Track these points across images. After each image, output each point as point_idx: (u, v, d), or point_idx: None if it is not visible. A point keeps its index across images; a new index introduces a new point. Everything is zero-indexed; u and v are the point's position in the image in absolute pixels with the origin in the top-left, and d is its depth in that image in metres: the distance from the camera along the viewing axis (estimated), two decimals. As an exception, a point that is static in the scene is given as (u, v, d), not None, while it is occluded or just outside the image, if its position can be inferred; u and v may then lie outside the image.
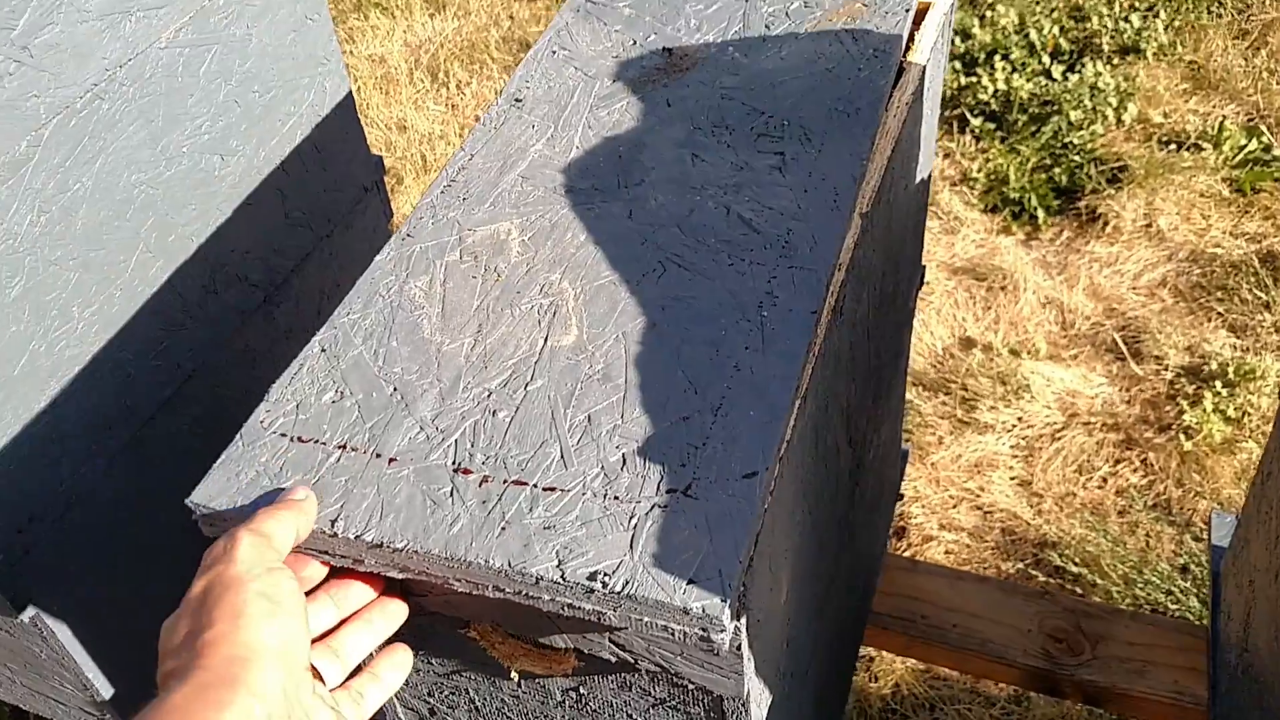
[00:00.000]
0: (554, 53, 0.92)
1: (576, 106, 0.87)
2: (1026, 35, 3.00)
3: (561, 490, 0.59)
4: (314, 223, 1.20)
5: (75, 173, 0.87)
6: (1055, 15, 3.08)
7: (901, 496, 1.67)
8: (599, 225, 0.76)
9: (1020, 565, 1.92)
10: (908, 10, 0.88)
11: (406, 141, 3.06)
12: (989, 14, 3.10)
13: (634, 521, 0.57)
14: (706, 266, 0.72)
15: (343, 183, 1.24)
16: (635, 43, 0.91)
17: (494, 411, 0.64)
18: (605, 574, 0.54)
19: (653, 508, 0.57)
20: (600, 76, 0.89)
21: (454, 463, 0.61)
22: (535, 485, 0.60)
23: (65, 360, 0.91)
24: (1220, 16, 3.11)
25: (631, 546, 0.56)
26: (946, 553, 1.97)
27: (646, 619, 0.55)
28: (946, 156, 2.79)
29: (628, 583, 0.54)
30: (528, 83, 0.90)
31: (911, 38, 0.91)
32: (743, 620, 0.56)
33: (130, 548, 1.04)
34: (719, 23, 0.91)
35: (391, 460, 0.62)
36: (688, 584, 0.53)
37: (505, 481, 0.60)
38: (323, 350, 0.70)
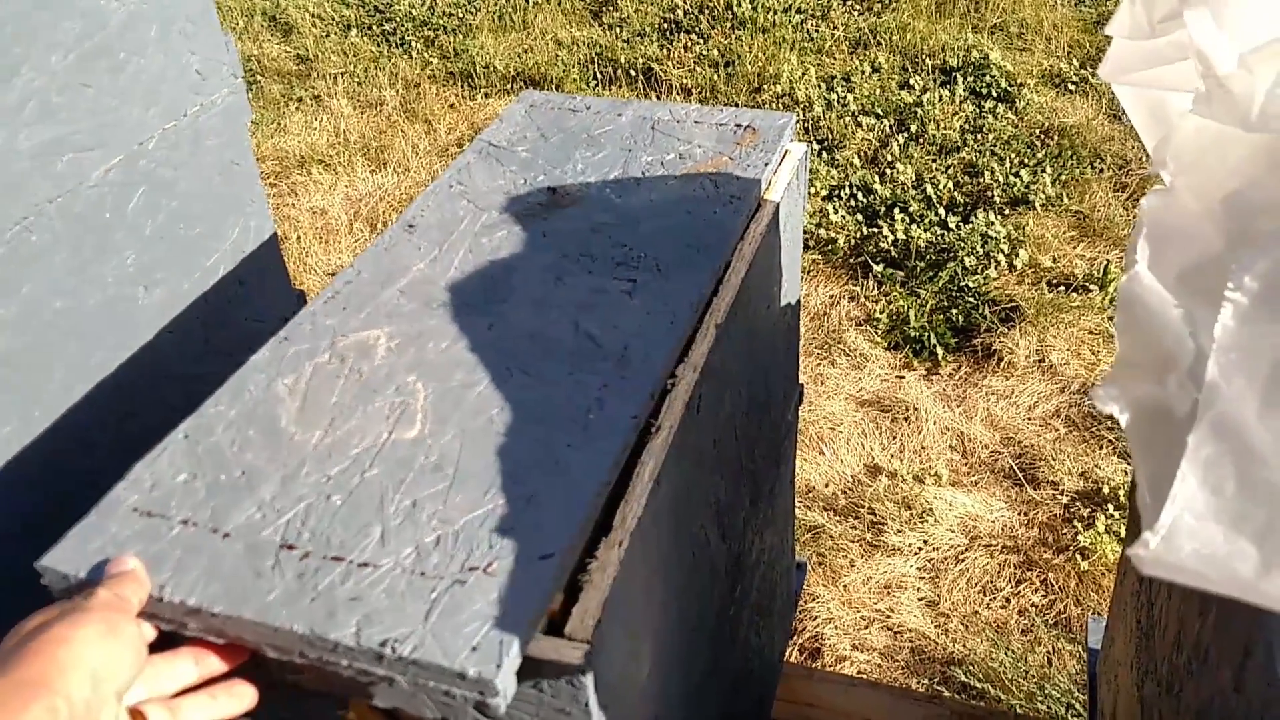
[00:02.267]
0: (451, 187, 1.03)
1: (462, 233, 0.97)
2: (924, 190, 3.23)
3: (374, 566, 0.65)
4: (235, 350, 1.28)
5: (0, 299, 0.94)
6: (950, 171, 3.32)
7: (796, 605, 1.73)
8: (461, 335, 0.85)
9: (928, 682, 1.98)
10: (766, 164, 1.01)
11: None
12: (889, 171, 3.34)
13: (434, 595, 0.62)
14: (549, 374, 0.80)
15: (265, 313, 1.32)
16: (525, 181, 1.02)
17: (329, 495, 0.70)
18: (396, 640, 0.60)
19: (453, 583, 0.63)
20: (489, 209, 0.99)
21: (282, 539, 0.67)
22: (352, 561, 0.65)
23: (-19, 475, 0.96)
24: (1102, 172, 3.38)
25: (426, 617, 0.61)
26: (859, 672, 2.02)
27: (431, 683, 0.60)
28: (852, 299, 2.96)
29: (414, 648, 0.59)
30: (423, 211, 1.00)
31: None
32: (588, 678, 0.62)
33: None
34: (602, 168, 1.02)
35: (226, 535, 0.68)
36: (470, 651, 0.59)
37: (325, 557, 0.66)
38: (185, 436, 0.76)
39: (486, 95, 4.08)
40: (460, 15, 4.54)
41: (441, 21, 4.49)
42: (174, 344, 1.17)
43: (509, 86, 4.11)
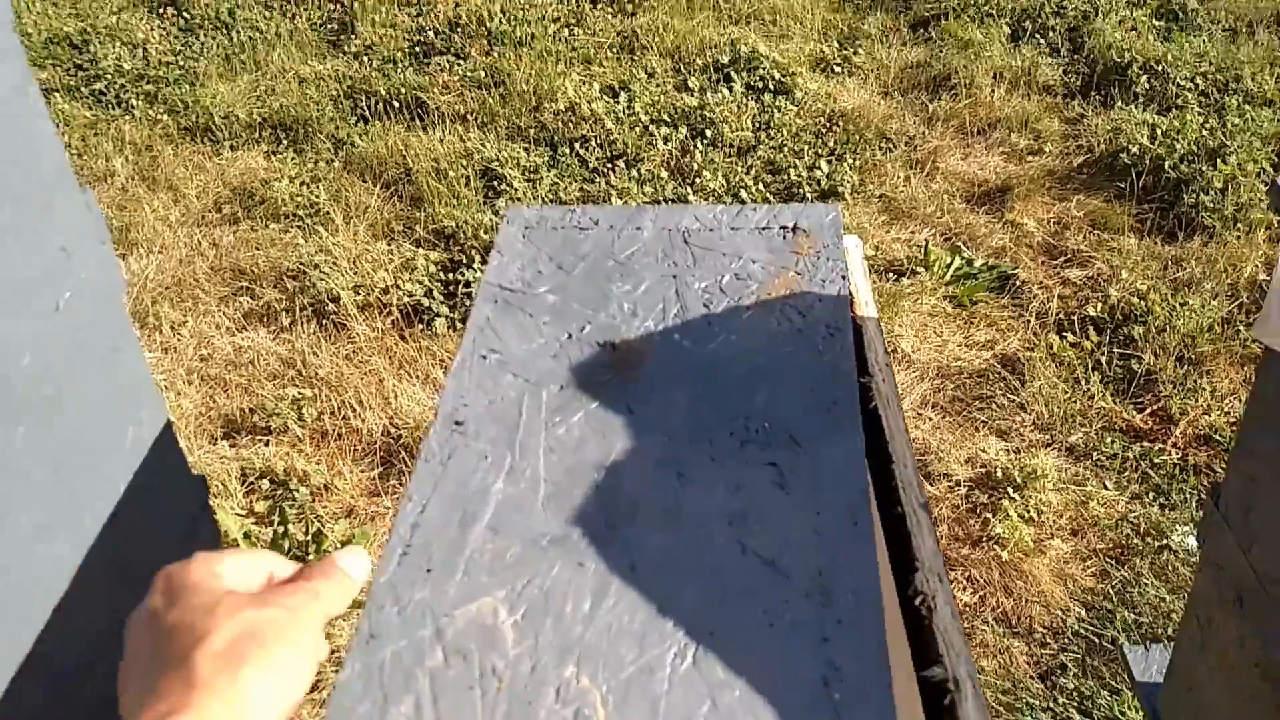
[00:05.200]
0: (484, 357, 0.79)
1: (528, 425, 0.75)
2: (737, 195, 3.16)
3: None
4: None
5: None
6: (754, 173, 3.28)
7: None
8: (600, 585, 0.64)
9: None
10: (843, 275, 0.84)
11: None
12: (699, 180, 3.25)
13: None
14: (741, 633, 0.61)
15: (173, 521, 1.02)
16: (570, 336, 0.81)
17: None
18: None
19: None
20: (544, 383, 0.77)
21: None
22: None
23: None
24: (891, 151, 3.44)
25: None
26: None
27: None
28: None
29: None
30: (464, 398, 0.77)
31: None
32: None
33: None
34: (653, 304, 0.82)
35: None
36: None
37: None
38: None
39: (233, 148, 3.66)
40: (181, 63, 4.05)
41: (160, 72, 3.98)
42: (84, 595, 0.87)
43: (257, 135, 3.70)
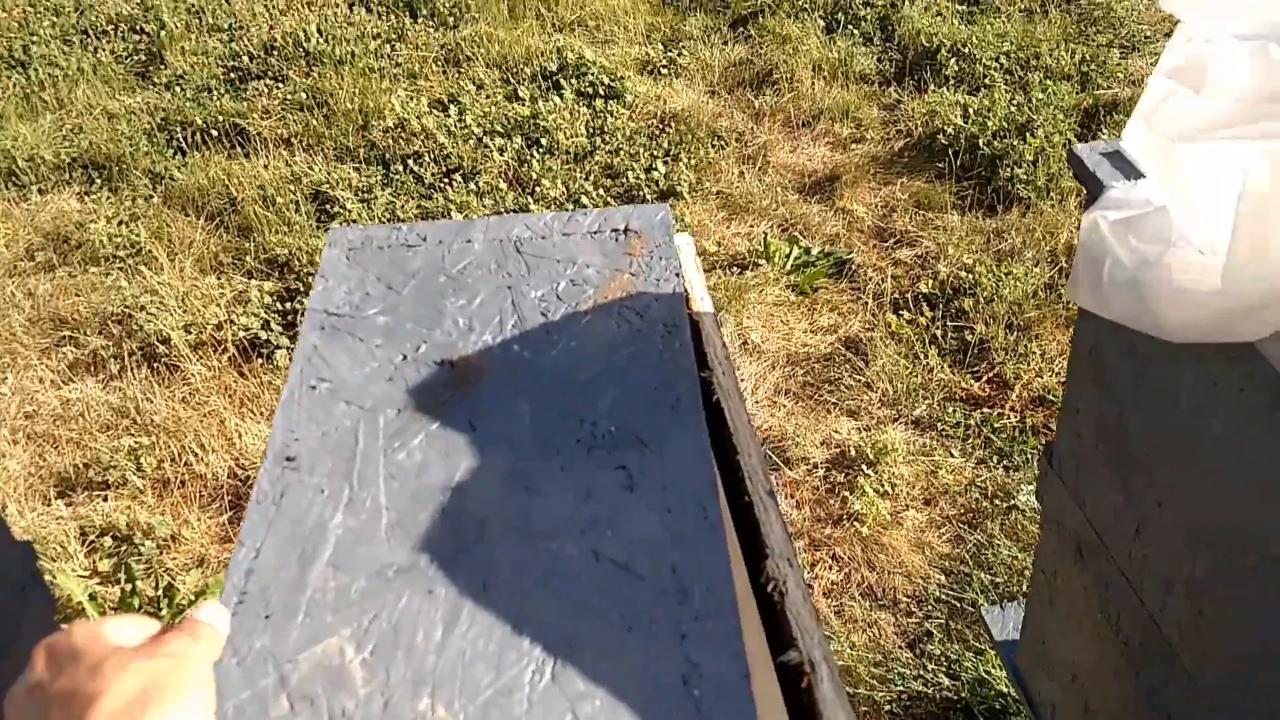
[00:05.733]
0: (313, 388, 0.76)
1: (365, 454, 0.72)
2: (578, 201, 3.16)
3: None
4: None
5: None
6: (593, 178, 3.28)
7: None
8: (451, 611, 0.62)
9: (782, 709, 1.93)
10: (677, 273, 0.85)
11: (-65, 472, 2.52)
12: (538, 189, 3.23)
13: None
14: (599, 642, 0.60)
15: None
16: (405, 357, 0.78)
17: None
18: None
19: None
20: (380, 408, 0.75)
21: None
22: None
23: None
24: (724, 148, 3.50)
25: None
26: None
27: None
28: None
29: None
30: (294, 432, 0.73)
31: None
32: None
33: None
34: (490, 317, 0.81)
35: None
36: None
37: None
38: None
39: (42, 192, 3.45)
40: (-28, 104, 3.80)
41: (-50, 114, 3.72)
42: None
43: (67, 177, 3.50)
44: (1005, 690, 1.93)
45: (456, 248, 0.87)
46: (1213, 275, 0.77)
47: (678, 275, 0.84)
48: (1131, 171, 1.00)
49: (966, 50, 3.83)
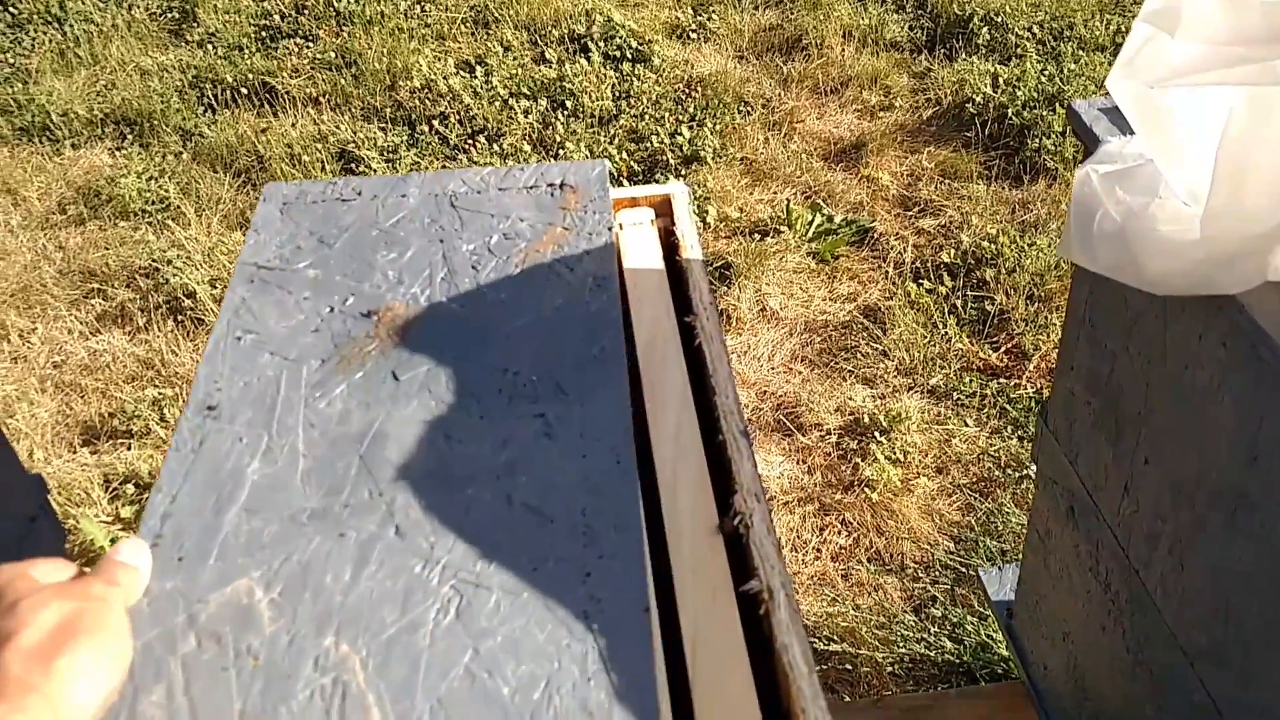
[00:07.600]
0: (239, 339, 0.78)
1: (286, 402, 0.73)
2: (596, 163, 3.16)
3: None
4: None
5: None
6: (617, 142, 3.27)
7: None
8: (359, 552, 0.64)
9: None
10: (609, 228, 0.85)
11: (-35, 418, 2.60)
12: (561, 152, 3.23)
13: None
14: (506, 583, 0.61)
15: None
16: (332, 310, 0.79)
17: None
18: None
19: None
20: (304, 359, 0.76)
21: None
22: None
23: None
24: (750, 114, 3.47)
25: None
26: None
27: None
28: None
29: None
30: (217, 383, 0.75)
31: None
32: None
33: None
34: (420, 270, 0.82)
35: None
36: None
37: None
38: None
39: (75, 147, 3.51)
40: (11, 60, 3.86)
41: (-11, 70, 3.79)
42: None
43: (100, 132, 3.55)
44: (1006, 655, 1.92)
45: (391, 202, 0.88)
46: (1195, 225, 0.76)
47: (609, 229, 0.84)
48: (1128, 127, 0.98)
49: (999, 19, 3.75)
